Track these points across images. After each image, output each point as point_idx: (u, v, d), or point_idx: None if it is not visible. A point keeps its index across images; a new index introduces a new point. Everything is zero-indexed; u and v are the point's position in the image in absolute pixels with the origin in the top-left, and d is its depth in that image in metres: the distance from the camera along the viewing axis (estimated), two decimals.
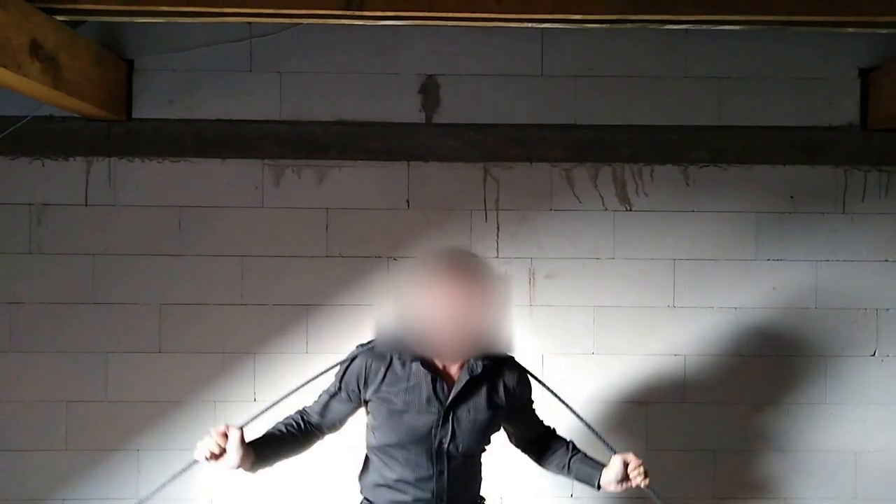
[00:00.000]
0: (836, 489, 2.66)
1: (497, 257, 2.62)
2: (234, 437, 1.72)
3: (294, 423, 1.87)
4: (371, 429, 1.86)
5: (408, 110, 2.62)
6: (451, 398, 1.79)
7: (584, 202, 2.65)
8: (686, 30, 2.57)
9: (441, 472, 1.81)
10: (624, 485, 1.87)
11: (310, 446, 1.89)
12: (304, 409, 1.91)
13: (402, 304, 1.79)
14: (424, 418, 1.78)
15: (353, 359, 1.83)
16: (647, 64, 2.65)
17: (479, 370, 1.81)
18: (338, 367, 1.86)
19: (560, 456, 1.97)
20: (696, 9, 2.20)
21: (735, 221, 2.65)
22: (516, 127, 2.63)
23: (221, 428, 1.73)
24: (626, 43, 2.63)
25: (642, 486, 1.87)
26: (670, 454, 2.65)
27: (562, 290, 2.64)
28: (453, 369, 1.82)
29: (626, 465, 1.87)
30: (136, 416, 2.59)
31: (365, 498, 1.91)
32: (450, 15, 2.24)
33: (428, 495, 1.82)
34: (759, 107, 2.65)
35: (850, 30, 2.39)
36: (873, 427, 2.67)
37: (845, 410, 2.66)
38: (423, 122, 2.63)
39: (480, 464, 1.94)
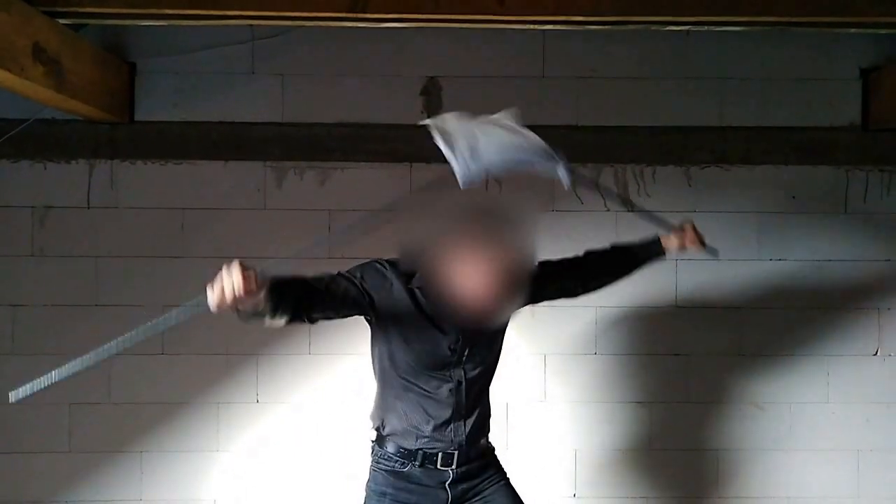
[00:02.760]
0: (838, 488, 2.67)
1: None
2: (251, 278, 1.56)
3: (294, 286, 1.71)
4: (387, 356, 1.86)
5: (410, 112, 2.62)
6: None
7: (587, 203, 2.65)
8: (688, 31, 2.58)
9: (459, 383, 1.85)
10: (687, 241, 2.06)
11: (305, 307, 1.73)
12: (314, 276, 1.76)
13: (430, 255, 1.75)
14: (441, 340, 1.82)
15: (375, 266, 1.83)
16: (648, 65, 2.65)
17: None
18: (355, 268, 1.82)
19: (619, 260, 2.08)
20: (697, 10, 2.21)
21: (737, 222, 2.66)
22: None
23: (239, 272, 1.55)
24: (628, 44, 2.63)
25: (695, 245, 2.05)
26: (673, 454, 2.65)
27: None
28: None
29: (683, 229, 2.07)
30: (140, 418, 2.59)
31: (378, 437, 1.90)
32: (452, 17, 2.24)
33: (449, 411, 1.84)
34: (761, 107, 2.66)
35: (852, 30, 2.39)
36: (875, 426, 2.67)
37: (847, 410, 2.67)
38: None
39: (489, 392, 1.95)
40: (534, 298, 2.00)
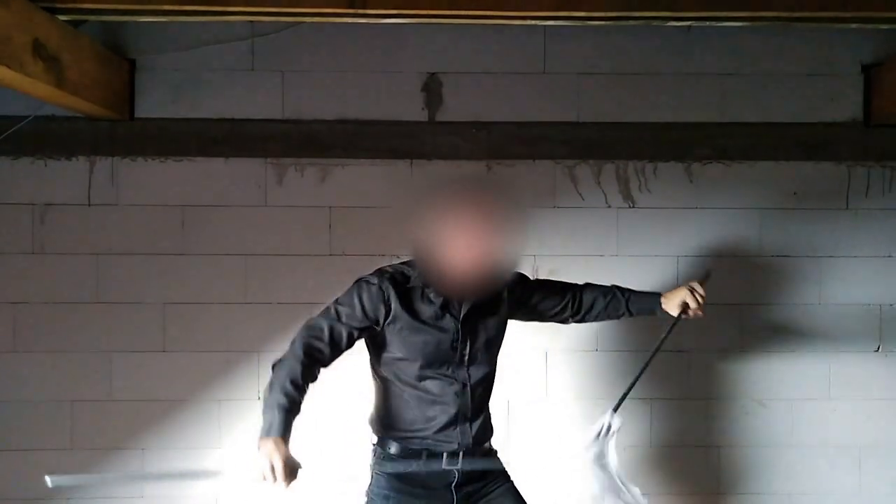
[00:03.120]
0: (839, 485, 2.67)
1: None
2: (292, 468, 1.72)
3: (305, 383, 1.79)
4: (390, 364, 1.87)
5: (411, 108, 2.62)
6: (464, 311, 1.86)
7: (588, 199, 2.64)
8: (689, 26, 2.57)
9: (464, 385, 1.86)
10: (687, 305, 2.07)
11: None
12: (310, 343, 1.82)
13: (419, 236, 1.81)
14: (443, 337, 1.84)
15: (369, 287, 1.84)
16: (649, 61, 2.64)
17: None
18: (348, 299, 1.85)
19: (615, 303, 2.10)
20: (698, 5, 2.20)
21: (738, 218, 2.65)
22: (519, 125, 2.63)
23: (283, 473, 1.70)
24: (629, 40, 2.63)
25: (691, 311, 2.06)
26: (674, 450, 2.65)
27: None
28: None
29: (691, 290, 2.07)
30: (141, 414, 2.60)
31: (380, 439, 1.90)
32: (453, 13, 2.24)
33: (454, 412, 1.85)
34: (763, 103, 2.65)
35: (854, 25, 2.39)
36: (877, 423, 2.67)
37: (849, 406, 2.67)
38: (426, 120, 2.63)
39: (490, 395, 1.96)
40: (524, 306, 2.03)
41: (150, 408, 2.60)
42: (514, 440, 2.57)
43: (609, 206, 2.64)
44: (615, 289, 2.14)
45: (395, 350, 1.85)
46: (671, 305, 2.10)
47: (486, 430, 1.95)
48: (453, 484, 1.86)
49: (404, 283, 1.84)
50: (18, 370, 2.60)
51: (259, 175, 2.62)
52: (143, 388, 2.60)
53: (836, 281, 2.66)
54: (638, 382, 2.68)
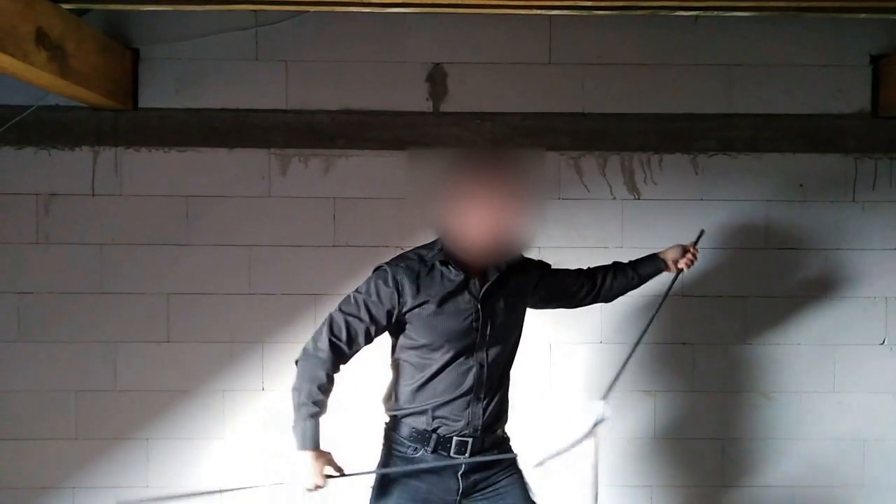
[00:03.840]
0: (843, 477, 2.66)
1: None
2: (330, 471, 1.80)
3: (329, 384, 1.85)
4: (406, 345, 1.88)
5: (415, 99, 2.61)
6: (483, 291, 1.86)
7: (593, 191, 2.63)
8: (695, 17, 2.55)
9: (481, 367, 1.86)
10: (673, 265, 2.19)
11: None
12: (332, 342, 1.84)
13: (432, 206, 1.83)
14: (461, 316, 1.84)
15: (385, 275, 1.84)
16: (655, 52, 2.62)
17: (505, 266, 1.90)
18: (365, 290, 1.86)
19: (621, 277, 2.17)
20: None
21: (744, 210, 2.64)
22: (524, 115, 2.61)
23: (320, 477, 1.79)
24: (635, 31, 2.61)
25: (685, 268, 2.21)
26: (678, 443, 2.65)
27: None
28: (478, 269, 1.89)
29: (685, 250, 2.21)
30: (145, 405, 2.60)
31: (392, 418, 1.91)
32: (458, 2, 2.23)
33: (468, 393, 1.85)
34: (769, 94, 2.63)
35: (861, 16, 2.37)
36: (881, 415, 2.66)
37: (853, 399, 2.66)
38: (431, 110, 2.62)
39: (509, 378, 1.98)
40: (546, 288, 2.06)
41: (154, 398, 2.60)
42: (517, 431, 2.57)
43: (614, 198, 2.63)
44: (616, 263, 2.21)
45: (413, 331, 1.86)
46: (668, 262, 2.22)
47: (500, 414, 1.95)
48: (461, 472, 1.86)
49: (422, 266, 1.85)
50: (23, 360, 2.60)
51: (263, 166, 2.61)
52: (147, 379, 2.60)
53: (842, 273, 2.65)
54: (642, 374, 2.70)
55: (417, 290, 1.83)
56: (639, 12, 2.32)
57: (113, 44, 2.46)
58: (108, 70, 2.41)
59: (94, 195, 2.60)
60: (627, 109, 2.62)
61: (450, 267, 1.85)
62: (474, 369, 1.86)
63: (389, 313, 1.84)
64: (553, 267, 2.12)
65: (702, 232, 2.28)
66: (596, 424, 2.02)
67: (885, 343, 2.66)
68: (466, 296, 1.86)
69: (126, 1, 2.24)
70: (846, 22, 2.56)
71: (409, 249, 1.93)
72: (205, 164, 2.60)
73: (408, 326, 1.86)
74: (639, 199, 2.64)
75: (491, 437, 1.91)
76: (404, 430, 1.88)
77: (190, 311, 2.61)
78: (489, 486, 1.90)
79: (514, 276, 1.94)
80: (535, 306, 2.08)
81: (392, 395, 1.93)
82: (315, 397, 1.80)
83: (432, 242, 1.90)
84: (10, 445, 2.60)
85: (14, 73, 2.03)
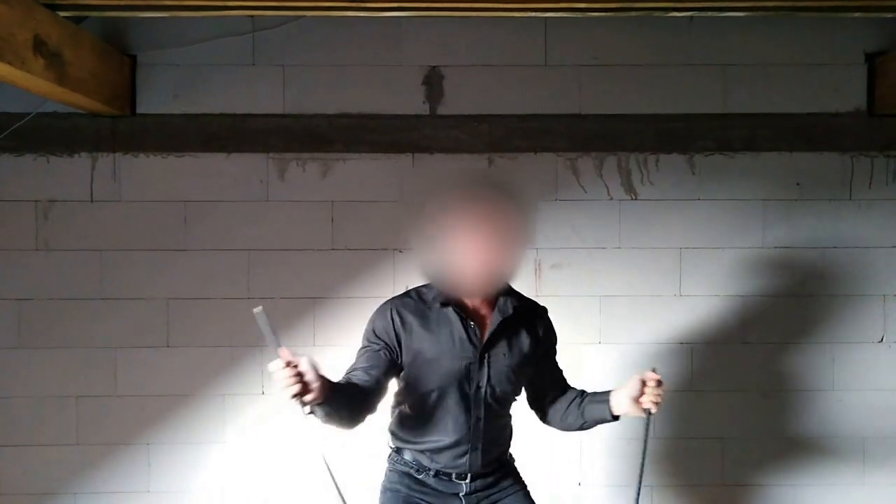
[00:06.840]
0: (843, 476, 2.67)
1: None
2: (305, 364, 1.59)
3: (351, 383, 1.74)
4: (405, 385, 1.84)
5: (412, 102, 2.62)
6: (485, 340, 1.79)
7: (590, 192, 2.64)
8: (690, 17, 2.56)
9: (478, 419, 1.81)
10: (637, 405, 1.76)
11: (365, 409, 1.73)
12: (352, 370, 1.78)
13: (426, 243, 1.76)
14: (460, 362, 1.78)
15: (382, 310, 1.82)
16: (651, 52, 2.63)
17: (511, 311, 1.82)
18: (369, 322, 1.83)
19: (574, 409, 1.88)
20: None
21: (741, 209, 2.65)
22: (521, 117, 2.62)
23: (284, 363, 1.58)
24: (631, 31, 2.62)
25: (651, 409, 1.75)
26: (678, 442, 2.65)
27: (567, 279, 2.64)
28: (483, 311, 1.82)
29: (643, 382, 1.75)
30: (146, 410, 2.61)
31: (396, 447, 1.91)
32: (453, 6, 2.24)
33: (464, 443, 1.82)
34: (765, 94, 2.64)
35: (857, 15, 2.38)
36: (881, 413, 2.67)
37: (853, 397, 2.66)
38: (428, 113, 2.63)
39: (510, 416, 1.94)
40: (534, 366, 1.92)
41: (154, 403, 2.61)
42: (517, 432, 2.57)
43: (611, 199, 2.64)
44: (582, 395, 1.92)
45: (409, 371, 1.81)
46: (624, 404, 1.80)
47: (501, 452, 1.92)
48: (463, 493, 1.86)
49: (421, 305, 1.81)
50: (23, 366, 2.61)
51: (261, 170, 2.62)
52: (147, 384, 2.61)
53: (839, 272, 2.65)
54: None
55: (412, 328, 1.79)
56: (634, 13, 2.33)
57: (110, 50, 2.47)
58: (106, 76, 2.42)
59: (92, 201, 2.61)
60: (624, 110, 2.63)
61: (451, 309, 1.79)
62: (470, 421, 1.81)
63: (388, 343, 1.79)
64: (554, 349, 1.97)
65: (654, 369, 1.82)
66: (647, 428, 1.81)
67: (884, 341, 2.67)
68: (467, 344, 1.79)
69: (123, 8, 2.25)
70: (841, 21, 2.57)
71: (413, 287, 1.89)
72: (203, 169, 2.61)
73: (404, 363, 1.81)
74: (636, 199, 2.64)
75: (494, 463, 1.91)
76: (408, 455, 1.89)
77: (189, 316, 2.62)
78: (493, 503, 1.90)
79: (521, 326, 1.86)
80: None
81: (394, 432, 1.92)
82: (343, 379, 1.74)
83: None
84: (11, 451, 2.60)
85: (12, 80, 2.04)
